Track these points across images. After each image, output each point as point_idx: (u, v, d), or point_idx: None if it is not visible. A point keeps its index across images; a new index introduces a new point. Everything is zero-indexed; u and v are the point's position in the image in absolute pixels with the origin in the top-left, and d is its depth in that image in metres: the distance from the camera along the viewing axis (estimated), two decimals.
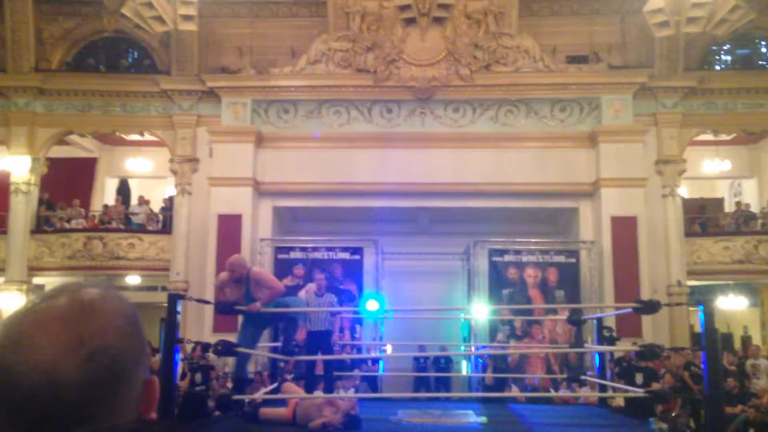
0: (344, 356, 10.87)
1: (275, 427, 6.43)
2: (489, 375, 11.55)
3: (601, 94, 14.69)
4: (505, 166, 14.46)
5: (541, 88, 14.76)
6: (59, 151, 16.26)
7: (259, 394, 8.05)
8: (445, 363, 13.78)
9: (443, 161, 14.63)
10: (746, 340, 16.67)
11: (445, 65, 14.72)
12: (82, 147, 17.28)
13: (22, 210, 15.10)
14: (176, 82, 15.14)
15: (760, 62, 16.28)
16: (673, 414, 8.12)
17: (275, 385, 8.35)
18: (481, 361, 12.27)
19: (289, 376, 9.23)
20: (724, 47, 16.05)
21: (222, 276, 7.15)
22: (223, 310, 7.00)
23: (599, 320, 8.94)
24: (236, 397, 6.82)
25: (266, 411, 6.65)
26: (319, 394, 7.56)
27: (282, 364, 9.98)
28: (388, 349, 12.69)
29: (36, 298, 0.90)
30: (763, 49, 16.29)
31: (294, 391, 7.11)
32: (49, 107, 15.42)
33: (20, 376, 0.81)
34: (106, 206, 16.32)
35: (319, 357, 8.45)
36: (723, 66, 16.24)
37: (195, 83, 15.03)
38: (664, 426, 5.96)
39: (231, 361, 11.40)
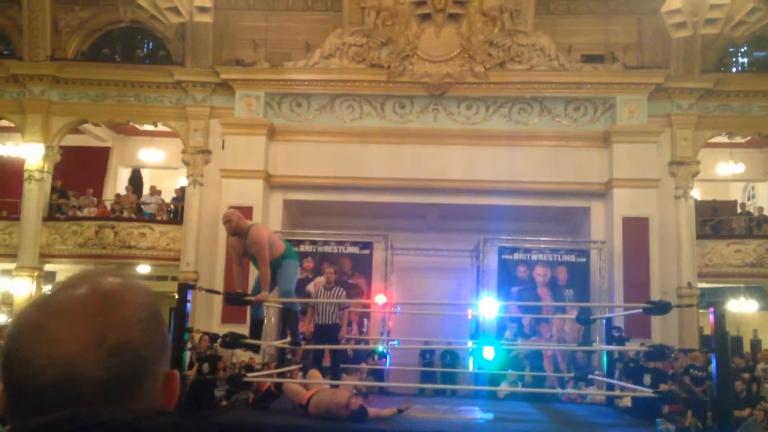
0: (353, 346, 10.89)
1: (284, 416, 6.46)
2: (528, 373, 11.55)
3: (616, 94, 14.60)
4: (518, 164, 14.41)
5: (555, 87, 14.70)
6: (73, 140, 16.38)
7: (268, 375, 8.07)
8: (451, 360, 13.80)
9: (455, 158, 14.61)
10: (755, 344, 16.57)
11: (460, 62, 14.68)
12: (95, 136, 17.39)
13: (35, 197, 15.21)
14: (190, 74, 15.19)
15: None
16: (687, 423, 8.08)
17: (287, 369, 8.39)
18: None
19: (296, 366, 9.26)
20: (742, 49, 15.92)
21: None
22: (232, 300, 7.02)
23: (608, 320, 8.91)
24: (247, 378, 6.89)
25: (291, 385, 6.74)
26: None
27: (290, 357, 10.02)
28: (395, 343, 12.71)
29: (54, 286, 0.85)
30: None
31: (319, 379, 7.14)
32: (64, 96, 15.52)
33: (39, 369, 0.77)
34: (118, 195, 16.42)
35: (327, 347, 8.47)
36: (739, 68, 16.11)
37: (209, 75, 15.07)
38: (671, 426, 5.93)
39: (239, 352, 11.46)
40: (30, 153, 15.31)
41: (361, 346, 12.16)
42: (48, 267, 15.43)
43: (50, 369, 0.77)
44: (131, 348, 0.81)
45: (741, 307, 16.26)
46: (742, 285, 15.99)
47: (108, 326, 0.81)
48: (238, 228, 6.82)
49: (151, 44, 16.56)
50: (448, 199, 14.79)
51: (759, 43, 15.83)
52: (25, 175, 15.27)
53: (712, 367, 6.23)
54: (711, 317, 6.30)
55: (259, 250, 6.68)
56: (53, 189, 15.82)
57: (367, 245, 14.29)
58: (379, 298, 11.17)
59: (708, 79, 14.78)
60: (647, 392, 7.24)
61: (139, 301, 0.86)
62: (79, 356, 0.78)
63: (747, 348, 16.19)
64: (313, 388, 6.60)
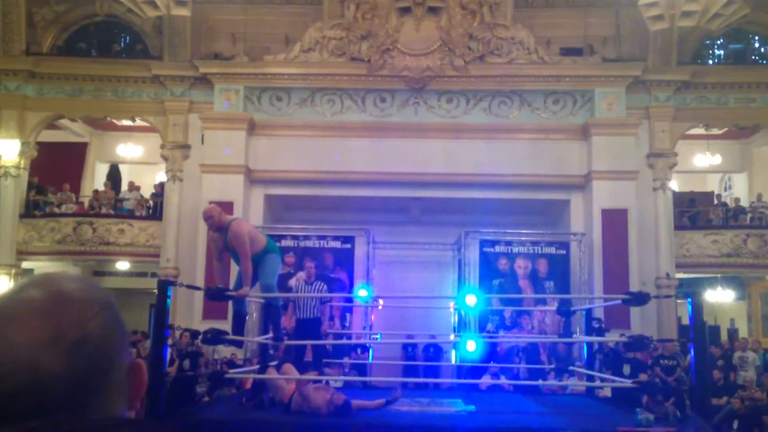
0: (333, 341, 10.88)
1: (266, 413, 6.45)
2: (523, 365, 11.62)
3: (594, 87, 14.70)
4: (498, 157, 14.47)
5: (534, 80, 14.76)
6: (49, 136, 16.13)
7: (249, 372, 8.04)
8: (434, 353, 13.85)
9: (436, 151, 14.63)
10: (732, 333, 16.82)
11: (440, 55, 14.69)
12: (72, 131, 17.15)
13: (11, 194, 15.00)
14: (168, 68, 15.03)
15: (753, 57, 16.32)
16: (666, 406, 8.19)
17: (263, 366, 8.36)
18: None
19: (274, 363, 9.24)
20: (718, 42, 16.09)
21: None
22: (214, 295, 6.98)
23: (588, 311, 9.00)
24: (229, 375, 6.86)
25: (277, 380, 6.71)
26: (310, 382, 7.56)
27: (272, 352, 9.99)
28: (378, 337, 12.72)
29: (4, 293, 0.85)
30: (756, 44, 16.33)
31: (292, 373, 7.08)
32: (39, 91, 15.30)
33: (3, 376, 0.76)
34: (96, 191, 16.23)
35: (309, 342, 8.46)
36: (716, 60, 16.29)
37: (187, 69, 14.93)
38: (650, 416, 6.01)
39: (221, 347, 11.43)
40: (5, 149, 15.08)
41: (344, 341, 12.15)
42: (25, 264, 15.24)
43: (13, 375, 0.77)
44: (90, 342, 0.81)
45: (718, 296, 16.48)
46: (719, 275, 16.21)
47: (64, 324, 0.81)
48: (219, 223, 6.77)
49: (128, 38, 16.36)
50: (429, 192, 14.81)
51: (735, 36, 16.01)
52: (1, 171, 15.05)
53: (690, 356, 6.32)
54: (689, 307, 6.39)
55: (240, 245, 6.64)
56: (30, 185, 15.61)
57: (348, 239, 14.28)
58: (361, 293, 11.16)
59: (685, 71, 14.92)
60: (626, 383, 7.32)
61: (92, 297, 0.85)
62: (39, 357, 0.78)
63: (724, 337, 16.44)
64: (291, 385, 6.57)
